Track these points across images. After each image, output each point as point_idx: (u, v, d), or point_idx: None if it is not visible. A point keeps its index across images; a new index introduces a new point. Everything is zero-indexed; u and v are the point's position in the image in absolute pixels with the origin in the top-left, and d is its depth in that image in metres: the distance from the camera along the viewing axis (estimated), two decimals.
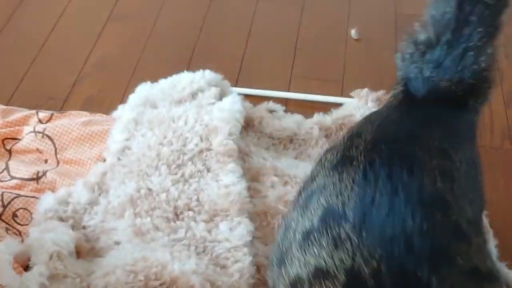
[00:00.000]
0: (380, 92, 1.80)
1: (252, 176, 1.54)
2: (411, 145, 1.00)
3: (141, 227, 1.38)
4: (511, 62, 1.98)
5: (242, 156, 1.59)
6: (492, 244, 1.46)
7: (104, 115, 1.72)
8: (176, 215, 1.42)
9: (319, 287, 0.87)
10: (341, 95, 1.85)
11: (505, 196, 1.60)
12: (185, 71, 1.79)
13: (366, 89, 1.81)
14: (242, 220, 1.40)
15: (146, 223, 1.39)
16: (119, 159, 1.53)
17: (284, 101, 1.82)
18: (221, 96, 1.70)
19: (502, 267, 1.42)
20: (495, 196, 1.60)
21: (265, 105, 1.78)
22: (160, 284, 1.22)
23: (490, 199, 1.57)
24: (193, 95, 1.69)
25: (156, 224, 1.39)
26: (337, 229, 0.89)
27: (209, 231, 1.39)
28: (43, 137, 1.63)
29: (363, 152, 0.97)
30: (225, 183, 1.46)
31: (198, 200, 1.45)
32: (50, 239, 1.26)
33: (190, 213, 1.42)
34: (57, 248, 1.25)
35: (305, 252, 0.91)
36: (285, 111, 1.79)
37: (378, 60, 1.98)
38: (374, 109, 1.74)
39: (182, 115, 1.61)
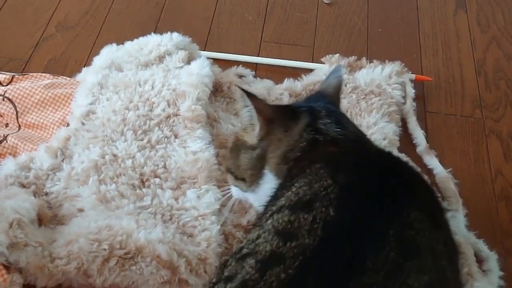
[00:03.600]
0: (351, 58, 1.77)
1: (220, 143, 1.51)
2: None
3: (106, 194, 1.34)
4: (483, 30, 1.97)
5: (211, 122, 1.55)
6: (461, 213, 1.46)
7: (68, 78, 1.66)
8: (142, 182, 1.38)
9: None
10: (312, 60, 1.82)
11: (475, 165, 1.59)
12: (152, 33, 1.74)
13: (337, 55, 1.78)
14: (210, 187, 1.37)
15: (111, 190, 1.35)
16: (83, 123, 1.48)
17: (254, 66, 1.78)
18: (189, 60, 1.65)
19: (471, 236, 1.41)
20: (465, 165, 1.59)
21: (235, 69, 1.74)
22: (125, 254, 1.19)
23: (460, 168, 1.58)
24: (160, 59, 1.64)
25: (121, 191, 1.35)
26: None
27: (176, 199, 1.35)
28: (3, 100, 1.57)
29: None
30: (192, 149, 1.43)
31: (165, 167, 1.41)
32: (10, 206, 1.22)
33: (157, 180, 1.38)
34: (17, 216, 1.20)
35: None
36: (255, 76, 1.75)
37: (349, 26, 1.95)
38: (345, 76, 1.71)
39: (149, 79, 1.56)
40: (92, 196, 1.34)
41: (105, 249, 1.18)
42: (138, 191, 1.36)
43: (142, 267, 1.18)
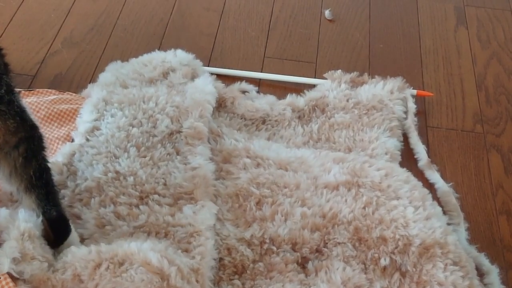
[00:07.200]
0: (353, 74, 1.79)
1: (224, 158, 1.53)
2: None
3: (104, 217, 1.35)
4: (483, 45, 1.99)
5: (214, 137, 1.57)
6: (463, 227, 1.47)
7: (73, 94, 1.69)
8: (141, 199, 1.39)
9: None
10: (314, 76, 1.84)
11: (476, 179, 1.61)
12: (156, 50, 1.77)
13: (339, 71, 1.80)
14: (206, 203, 1.39)
15: (108, 212, 1.36)
16: (87, 139, 1.51)
17: (257, 82, 1.80)
18: (193, 76, 1.67)
19: (472, 250, 1.42)
20: (466, 179, 1.61)
21: (238, 85, 1.76)
22: (115, 256, 1.19)
23: (461, 182, 1.59)
24: (164, 75, 1.67)
25: (118, 212, 1.36)
26: None
27: (172, 215, 1.36)
28: None
29: None
30: (192, 165, 1.45)
31: (165, 184, 1.43)
32: (22, 216, 1.23)
33: (155, 196, 1.40)
34: (29, 226, 1.21)
35: None
36: (258, 91, 1.77)
37: (351, 42, 1.97)
38: (347, 91, 1.73)
39: (153, 95, 1.58)
40: (92, 221, 1.35)
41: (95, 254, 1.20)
42: (134, 210, 1.37)
43: (132, 275, 1.18)
